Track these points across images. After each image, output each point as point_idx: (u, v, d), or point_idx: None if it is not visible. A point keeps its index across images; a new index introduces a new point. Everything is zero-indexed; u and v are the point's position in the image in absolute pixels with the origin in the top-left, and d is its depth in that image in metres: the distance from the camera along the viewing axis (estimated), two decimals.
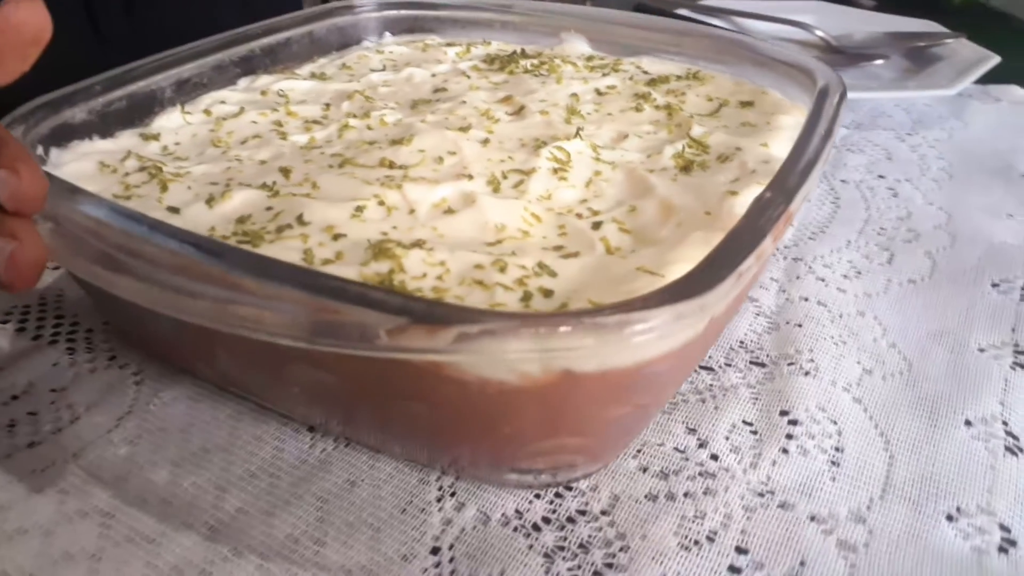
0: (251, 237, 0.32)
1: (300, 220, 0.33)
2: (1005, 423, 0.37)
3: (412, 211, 0.35)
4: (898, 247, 0.51)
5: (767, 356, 0.41)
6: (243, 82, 0.50)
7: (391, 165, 0.38)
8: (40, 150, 0.38)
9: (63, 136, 0.40)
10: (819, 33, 0.84)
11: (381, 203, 0.35)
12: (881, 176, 0.60)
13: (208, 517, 0.32)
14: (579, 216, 0.35)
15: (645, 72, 0.52)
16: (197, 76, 0.48)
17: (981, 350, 0.41)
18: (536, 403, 0.27)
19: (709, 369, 0.40)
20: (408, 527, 0.31)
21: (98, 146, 0.41)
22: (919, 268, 0.48)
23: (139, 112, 0.44)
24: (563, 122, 0.44)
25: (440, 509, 0.32)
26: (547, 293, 0.29)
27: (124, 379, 0.38)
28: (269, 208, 0.35)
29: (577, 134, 0.41)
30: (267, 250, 0.31)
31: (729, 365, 0.40)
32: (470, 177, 0.37)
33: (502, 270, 0.30)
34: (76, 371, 0.39)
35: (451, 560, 0.30)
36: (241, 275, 0.25)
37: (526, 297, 0.29)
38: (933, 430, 0.36)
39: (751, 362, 0.41)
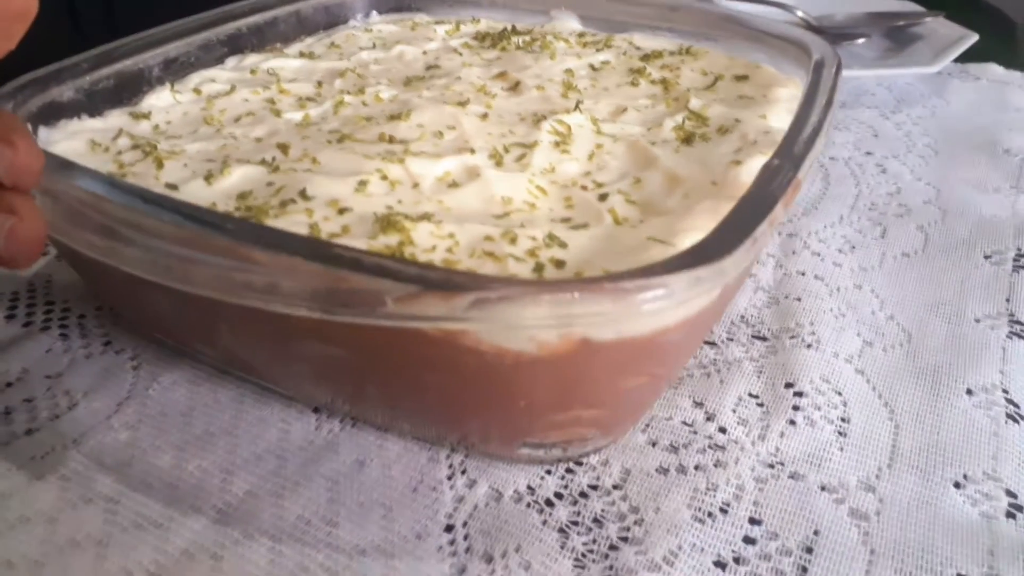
0: (255, 212, 0.31)
1: (303, 195, 0.33)
2: (1005, 391, 0.37)
3: (416, 185, 0.34)
4: (890, 221, 0.51)
5: (768, 330, 0.41)
6: (231, 61, 0.49)
7: (391, 140, 0.38)
8: (28, 128, 0.37)
9: (51, 115, 0.39)
10: (799, 13, 0.84)
11: (384, 177, 0.34)
12: (869, 153, 0.60)
13: (216, 500, 0.31)
14: (584, 188, 0.35)
15: (638, 48, 0.51)
16: (184, 55, 0.47)
17: (977, 320, 0.42)
18: (552, 373, 0.26)
19: (712, 344, 0.40)
20: (420, 505, 0.31)
21: (87, 125, 0.40)
22: (912, 242, 0.49)
23: (127, 91, 0.43)
24: (560, 97, 0.43)
25: (452, 487, 0.32)
26: (559, 264, 0.29)
27: (121, 364, 0.38)
28: (270, 184, 0.34)
29: (577, 107, 0.41)
30: (272, 224, 0.31)
31: (731, 339, 0.40)
32: (472, 151, 0.37)
33: (512, 241, 0.30)
34: (71, 357, 0.38)
35: (465, 537, 0.30)
36: (254, 248, 0.24)
37: (538, 268, 0.29)
38: (936, 399, 0.37)
39: (753, 336, 0.41)
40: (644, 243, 0.30)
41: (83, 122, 0.40)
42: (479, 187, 0.34)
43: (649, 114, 0.42)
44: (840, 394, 0.37)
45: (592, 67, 0.48)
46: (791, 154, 0.31)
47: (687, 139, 0.38)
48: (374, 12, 0.58)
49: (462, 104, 0.41)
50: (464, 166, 0.35)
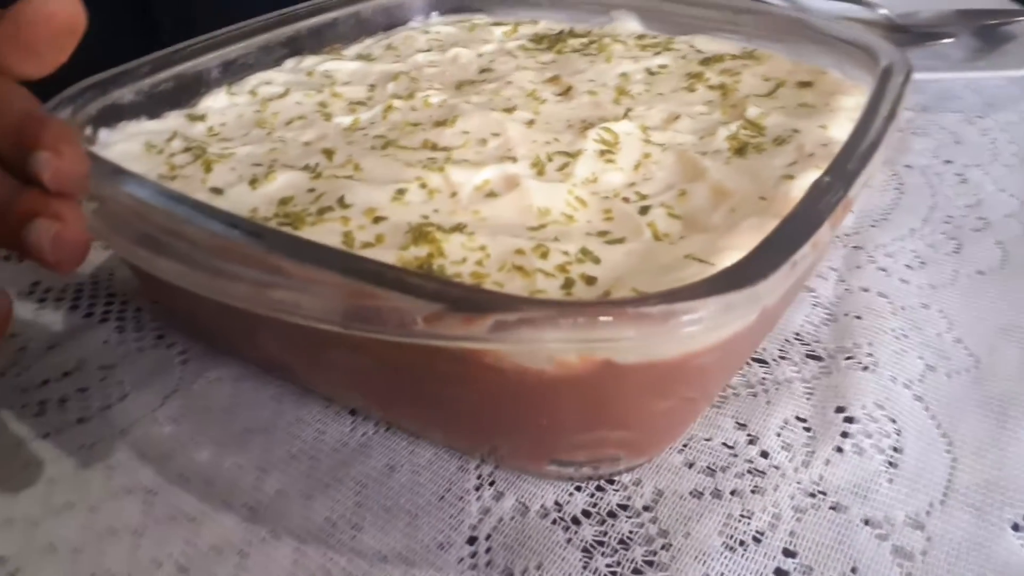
0: (292, 219, 0.32)
1: (341, 202, 0.33)
2: None
3: (454, 194, 0.34)
4: (966, 236, 0.48)
5: (824, 349, 0.39)
6: (289, 63, 0.50)
7: (434, 147, 0.38)
8: (89, 130, 0.38)
9: (112, 117, 0.40)
10: (882, 11, 0.81)
11: (423, 186, 0.34)
12: (948, 161, 0.57)
13: (248, 498, 0.32)
14: (626, 200, 0.34)
15: (699, 51, 0.50)
16: (243, 57, 0.48)
17: None
18: (575, 394, 0.26)
19: (762, 362, 0.38)
20: (445, 515, 0.31)
21: (146, 127, 0.41)
22: (989, 258, 0.46)
23: (186, 93, 0.44)
24: (612, 103, 0.43)
25: (479, 498, 0.32)
26: (590, 280, 0.28)
27: (171, 358, 0.39)
28: (311, 190, 0.34)
29: (626, 115, 0.40)
30: (308, 232, 0.31)
31: (784, 358, 0.39)
32: (514, 159, 0.36)
33: (543, 256, 0.29)
34: (125, 349, 0.40)
35: (488, 551, 0.30)
36: (279, 257, 0.25)
37: (568, 284, 0.28)
38: (1001, 432, 0.34)
39: (807, 355, 0.39)
40: (682, 261, 0.29)
41: (141, 124, 0.41)
42: (517, 197, 0.33)
43: (704, 122, 0.41)
44: (895, 421, 0.35)
45: (649, 71, 0.47)
46: (843, 171, 0.30)
47: (740, 150, 0.37)
48: (434, 13, 0.59)
49: (509, 110, 0.41)
50: (504, 175, 0.35)
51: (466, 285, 0.26)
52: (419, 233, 0.30)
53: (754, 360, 0.39)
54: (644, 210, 0.33)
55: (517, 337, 0.23)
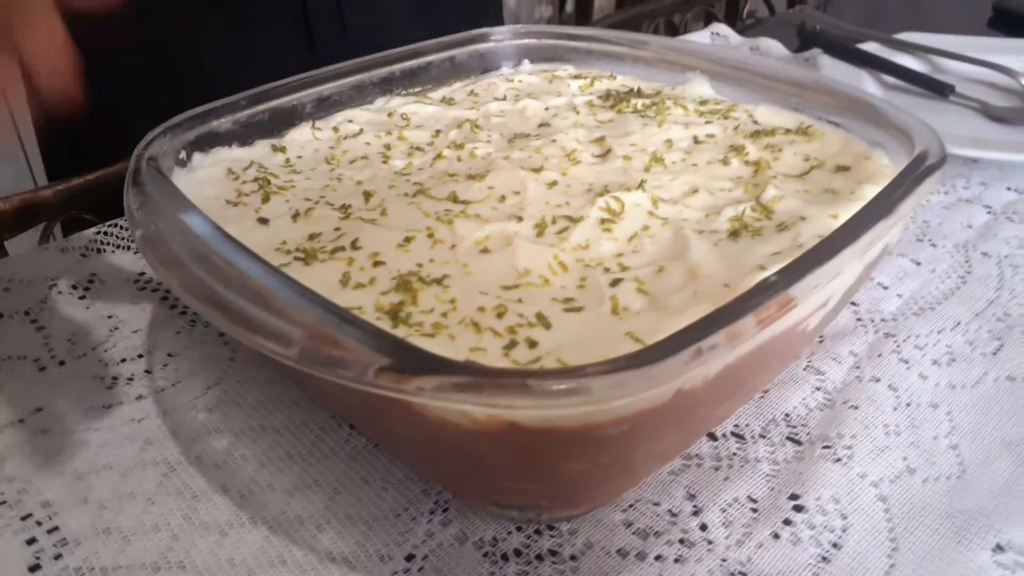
0: (307, 254, 0.37)
1: (354, 244, 0.38)
2: None
3: (454, 247, 0.38)
4: (1013, 338, 0.46)
5: (807, 434, 0.40)
6: (380, 101, 0.56)
7: (455, 199, 0.42)
8: (184, 154, 0.45)
9: (207, 143, 0.47)
10: None
11: (431, 236, 0.39)
12: None
13: (242, 487, 0.37)
14: (607, 270, 0.37)
15: (755, 121, 0.51)
16: (337, 94, 0.54)
17: None
18: (487, 447, 0.29)
19: (739, 437, 0.40)
20: (395, 531, 0.35)
21: (233, 153, 0.48)
22: None
23: (279, 124, 0.51)
24: (642, 169, 0.45)
25: (429, 521, 0.36)
26: (532, 344, 0.32)
27: (223, 355, 0.45)
28: (337, 229, 0.40)
29: (640, 185, 0.42)
30: (315, 268, 0.36)
31: (763, 436, 0.40)
32: (520, 219, 0.40)
33: (500, 315, 0.33)
34: (190, 341, 0.47)
35: (420, 570, 0.33)
36: (264, 289, 0.30)
37: (511, 345, 0.31)
38: (953, 547, 0.34)
39: (788, 438, 0.40)
40: (621, 337, 0.32)
41: (231, 151, 0.48)
42: (506, 255, 0.37)
43: (721, 198, 0.42)
44: (845, 518, 0.35)
45: (696, 139, 0.49)
46: (794, 270, 0.31)
47: (735, 232, 0.38)
48: (525, 61, 0.63)
49: (536, 170, 0.44)
50: (504, 233, 0.39)
51: (389, 338, 0.29)
52: (402, 281, 0.35)
53: (733, 435, 0.40)
54: (615, 282, 0.35)
55: (433, 397, 0.26)
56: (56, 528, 0.35)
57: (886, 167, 0.45)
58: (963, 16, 1.07)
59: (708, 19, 1.24)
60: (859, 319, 0.48)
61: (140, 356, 0.46)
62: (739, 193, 0.43)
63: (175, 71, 0.72)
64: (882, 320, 0.48)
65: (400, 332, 0.32)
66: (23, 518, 0.36)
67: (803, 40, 0.86)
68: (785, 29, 0.93)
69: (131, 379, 0.44)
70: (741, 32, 0.93)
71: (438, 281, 0.35)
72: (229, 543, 0.35)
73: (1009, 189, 0.62)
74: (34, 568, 0.34)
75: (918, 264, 0.53)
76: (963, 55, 0.80)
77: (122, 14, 0.40)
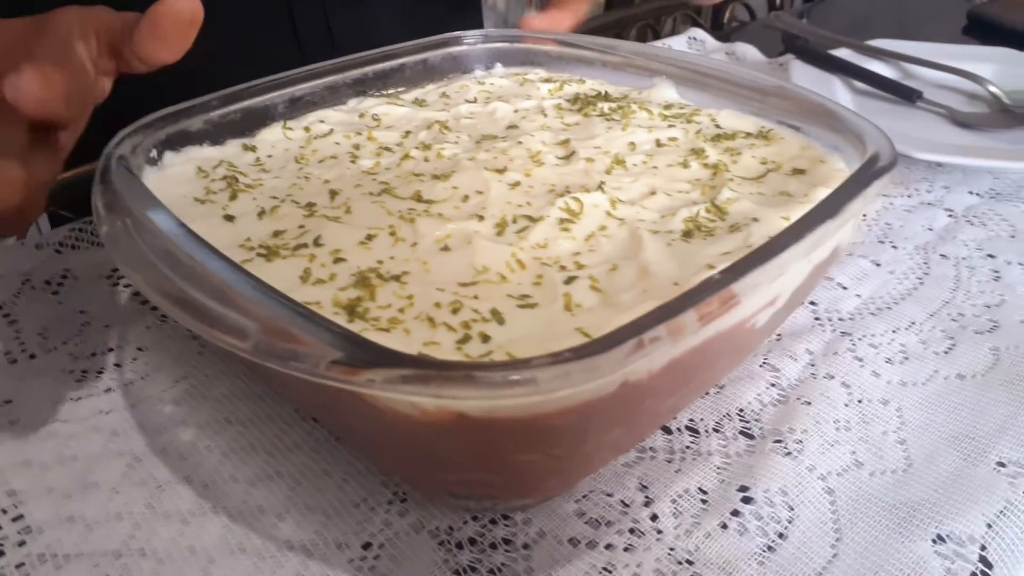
0: (269, 251, 0.38)
1: (316, 241, 0.39)
2: (983, 548, 0.35)
3: (415, 244, 0.39)
4: (965, 337, 0.47)
5: (760, 429, 0.41)
6: (352, 102, 0.57)
7: (419, 199, 0.43)
8: (155, 152, 0.46)
9: (179, 142, 0.48)
10: (992, 88, 0.78)
11: (392, 234, 0.39)
12: (991, 255, 0.56)
13: (206, 477, 0.38)
14: (563, 268, 0.38)
15: (717, 125, 0.52)
16: (310, 95, 0.55)
17: (1001, 464, 0.39)
18: (438, 438, 0.30)
19: (693, 431, 0.41)
20: (353, 520, 0.36)
21: (204, 152, 0.49)
22: (976, 364, 0.45)
23: (250, 123, 0.52)
24: (603, 172, 0.46)
25: (387, 511, 0.36)
26: (485, 338, 0.33)
27: (191, 349, 0.46)
28: (301, 226, 0.41)
29: (600, 187, 0.43)
30: (277, 264, 0.37)
31: (717, 431, 0.41)
32: (481, 218, 0.41)
33: (455, 311, 0.34)
34: (160, 335, 0.47)
35: (376, 558, 0.34)
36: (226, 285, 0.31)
37: (464, 339, 0.32)
38: (896, 538, 0.35)
39: (740, 432, 0.41)
40: (571, 332, 0.33)
41: (202, 149, 0.49)
42: (465, 254, 0.38)
43: (678, 200, 0.43)
44: (792, 509, 0.36)
45: (658, 143, 0.50)
46: (738, 269, 0.32)
47: (688, 233, 0.40)
48: (498, 64, 0.64)
49: (500, 171, 0.45)
50: (464, 232, 0.39)
51: (337, 329, 0.30)
52: (361, 278, 0.36)
53: (688, 429, 0.41)
54: (570, 280, 0.36)
55: (383, 389, 0.27)
56: (21, 516, 0.36)
57: (841, 170, 0.46)
58: (939, 24, 1.09)
59: (696, 23, 1.26)
60: (817, 318, 0.49)
61: (110, 350, 0.46)
62: (696, 195, 0.44)
63: (161, 74, 0.73)
64: (839, 319, 0.49)
65: (356, 327, 0.33)
66: None
67: (787, 45, 0.87)
68: (767, 34, 0.95)
69: (100, 372, 0.45)
70: (727, 36, 0.94)
71: (396, 278, 0.36)
72: (190, 531, 0.35)
73: (971, 193, 0.63)
74: None
75: (878, 265, 0.54)
76: (933, 62, 0.81)
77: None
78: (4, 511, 0.36)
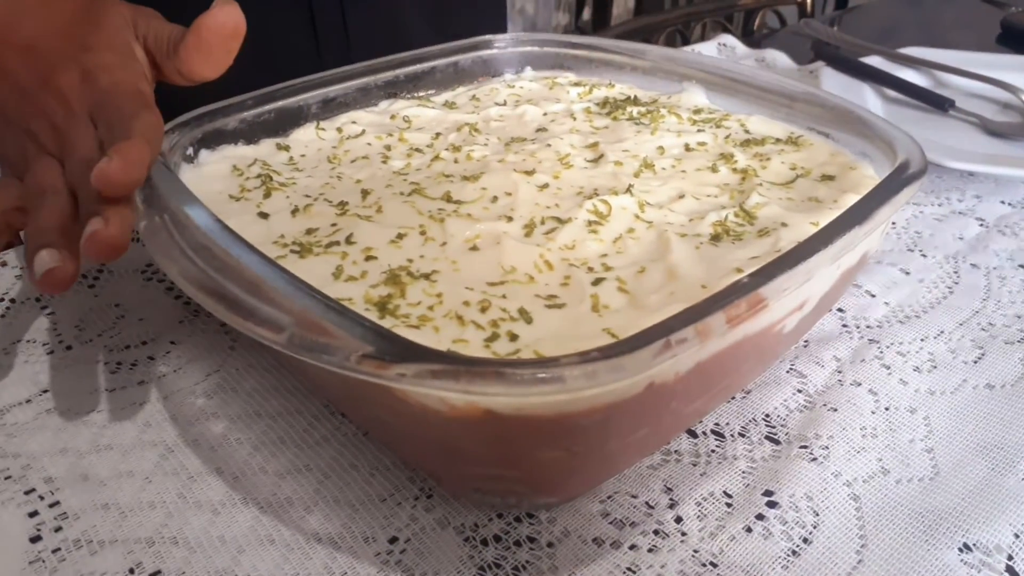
0: (302, 248, 0.39)
1: (348, 240, 0.39)
2: (1010, 558, 0.34)
3: (444, 244, 0.39)
4: (995, 347, 0.47)
5: (786, 434, 0.41)
6: (383, 104, 0.58)
7: (449, 199, 0.43)
8: (191, 150, 0.47)
9: (214, 140, 0.49)
10: None
11: (423, 233, 0.40)
12: (1022, 266, 0.55)
13: (236, 469, 0.39)
14: (591, 270, 0.38)
15: (747, 131, 0.52)
16: (342, 96, 0.56)
17: None
18: (465, 433, 0.30)
19: (719, 435, 0.41)
20: (380, 514, 0.36)
21: (239, 151, 0.50)
22: (1006, 374, 0.45)
23: (284, 123, 0.53)
24: (632, 175, 0.46)
25: (413, 506, 0.37)
26: (513, 337, 0.33)
27: (223, 343, 0.47)
28: (334, 224, 0.41)
29: (628, 190, 0.43)
30: (310, 261, 0.38)
31: (743, 435, 0.41)
32: (509, 219, 0.41)
33: (484, 310, 0.34)
34: (192, 329, 0.48)
35: (402, 552, 0.35)
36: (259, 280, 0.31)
37: (492, 337, 0.33)
38: (922, 545, 0.35)
39: (766, 437, 0.41)
40: (599, 333, 0.33)
41: (237, 148, 0.50)
42: (494, 253, 0.38)
43: (707, 204, 0.44)
44: (817, 514, 0.36)
45: (687, 147, 0.50)
46: (767, 273, 0.32)
47: (716, 237, 0.40)
48: (528, 68, 0.64)
49: (528, 173, 0.45)
50: (493, 232, 0.40)
51: (369, 325, 0.30)
52: (391, 275, 0.36)
53: (713, 432, 0.41)
54: (597, 281, 0.37)
55: (413, 383, 0.28)
56: (57, 503, 0.37)
57: (870, 177, 0.46)
58: (972, 32, 1.08)
59: (726, 29, 1.26)
60: (844, 325, 0.49)
61: (144, 343, 0.47)
62: (724, 199, 0.44)
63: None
64: (867, 327, 0.49)
65: (387, 323, 0.33)
66: (27, 492, 0.37)
67: (817, 52, 0.86)
68: (798, 41, 0.95)
69: (134, 365, 0.46)
70: (757, 43, 0.94)
71: (426, 276, 0.37)
72: (221, 521, 0.36)
73: (1003, 203, 0.63)
74: (35, 539, 0.35)
75: (907, 273, 0.54)
76: (965, 70, 0.81)
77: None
78: (42, 497, 0.37)
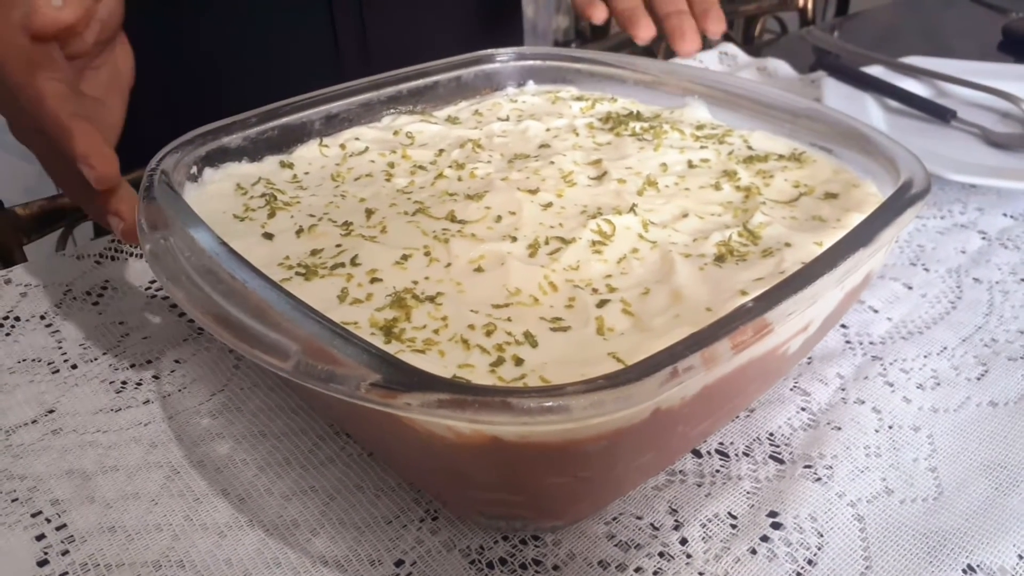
0: (307, 270, 0.39)
1: (353, 261, 0.39)
2: None
3: (449, 265, 0.39)
4: (998, 364, 0.47)
5: (790, 454, 0.41)
6: (387, 119, 0.58)
7: (453, 219, 0.43)
8: (195, 169, 0.47)
9: (217, 158, 0.49)
10: None
11: (427, 254, 0.40)
12: None
13: (241, 490, 0.39)
14: (595, 291, 0.38)
15: (750, 147, 0.52)
16: (345, 112, 0.56)
17: None
18: (471, 459, 0.31)
19: (723, 455, 0.41)
20: (386, 537, 0.37)
21: (242, 169, 0.50)
22: (1010, 391, 0.45)
23: (287, 140, 0.53)
24: (635, 193, 0.46)
25: (419, 528, 0.37)
26: (518, 361, 0.33)
27: (227, 362, 0.47)
28: (338, 245, 0.41)
29: (632, 209, 0.43)
30: (315, 283, 0.38)
31: (747, 455, 0.41)
32: (514, 239, 0.41)
33: (489, 333, 0.34)
34: (197, 348, 0.48)
35: (408, 575, 0.35)
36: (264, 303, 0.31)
37: (497, 362, 0.33)
38: (926, 567, 0.35)
39: (771, 456, 0.41)
40: (604, 357, 0.33)
41: (240, 166, 0.50)
42: (498, 275, 0.38)
43: (710, 223, 0.44)
44: (822, 535, 0.36)
45: (690, 164, 0.50)
46: (771, 297, 0.32)
47: (721, 257, 0.40)
48: (531, 82, 0.64)
49: (532, 192, 0.45)
50: (497, 253, 0.40)
51: (374, 352, 0.30)
52: (397, 298, 0.36)
53: (718, 452, 0.41)
54: (602, 303, 0.37)
55: (420, 412, 0.28)
56: (64, 525, 0.37)
57: (873, 195, 0.46)
58: (974, 40, 1.08)
59: (728, 37, 1.25)
60: (848, 341, 0.49)
61: (149, 362, 0.47)
62: (728, 218, 0.44)
63: (204, 89, 0.74)
64: (870, 343, 0.49)
65: (393, 348, 0.33)
66: (33, 515, 0.38)
67: (819, 62, 0.86)
68: (799, 48, 0.95)
69: (139, 384, 0.46)
70: (758, 50, 0.94)
71: (432, 299, 0.37)
72: (227, 544, 0.36)
73: (1005, 215, 0.63)
74: (42, 563, 0.35)
75: (910, 288, 0.54)
76: (967, 80, 0.81)
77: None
78: (48, 520, 0.37)
